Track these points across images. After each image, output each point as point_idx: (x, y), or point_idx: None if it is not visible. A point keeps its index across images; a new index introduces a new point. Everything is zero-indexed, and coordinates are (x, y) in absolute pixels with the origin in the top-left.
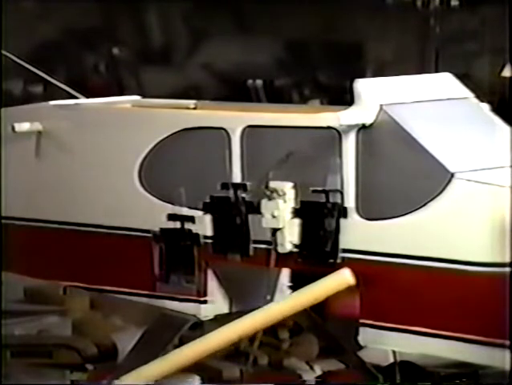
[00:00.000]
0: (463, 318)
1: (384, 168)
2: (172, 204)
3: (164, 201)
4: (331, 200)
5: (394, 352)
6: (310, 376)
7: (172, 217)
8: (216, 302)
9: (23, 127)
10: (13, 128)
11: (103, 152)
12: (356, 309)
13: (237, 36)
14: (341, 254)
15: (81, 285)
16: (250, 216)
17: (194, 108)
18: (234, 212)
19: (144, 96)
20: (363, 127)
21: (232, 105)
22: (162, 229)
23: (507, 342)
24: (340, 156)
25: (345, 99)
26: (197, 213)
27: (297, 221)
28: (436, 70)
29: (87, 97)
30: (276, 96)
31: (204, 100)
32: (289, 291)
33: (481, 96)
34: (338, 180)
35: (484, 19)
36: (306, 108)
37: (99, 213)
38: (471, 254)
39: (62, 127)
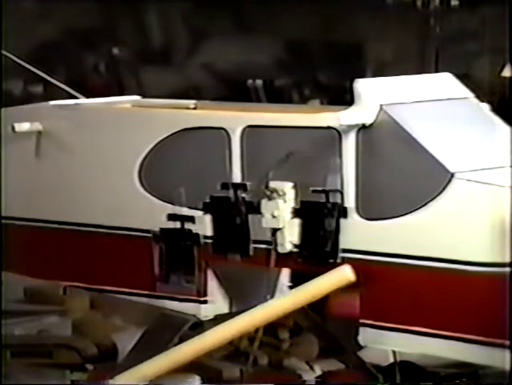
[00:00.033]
0: (463, 318)
1: (384, 168)
2: (172, 204)
3: (164, 201)
4: (331, 200)
5: (394, 352)
6: (310, 376)
7: (172, 217)
8: (216, 302)
9: (23, 127)
10: (13, 128)
11: (103, 152)
12: (356, 309)
13: (237, 36)
14: (341, 254)
15: (81, 285)
16: (250, 216)
17: (194, 108)
18: (234, 212)
19: (144, 96)
20: (363, 127)
21: (232, 105)
22: (162, 229)
23: (507, 342)
24: (340, 156)
25: (345, 99)
26: (197, 213)
27: (297, 221)
28: (436, 70)
29: (87, 97)
30: (276, 96)
31: (204, 100)
32: (289, 291)
33: (481, 96)
34: (338, 180)
35: (484, 19)
36: (306, 108)
37: (99, 213)
38: (471, 254)
39: (62, 127)
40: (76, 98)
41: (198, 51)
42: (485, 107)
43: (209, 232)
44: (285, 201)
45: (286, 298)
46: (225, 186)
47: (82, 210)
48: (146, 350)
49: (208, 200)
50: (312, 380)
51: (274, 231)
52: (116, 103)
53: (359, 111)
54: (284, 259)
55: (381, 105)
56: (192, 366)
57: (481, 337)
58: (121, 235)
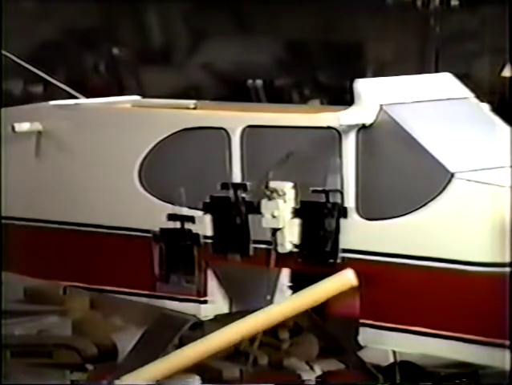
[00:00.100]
0: (463, 318)
1: (384, 168)
2: (172, 204)
3: (164, 201)
4: (331, 200)
5: (394, 352)
6: (310, 376)
7: (172, 217)
8: (216, 302)
9: (23, 127)
10: (13, 128)
11: (103, 152)
12: (356, 309)
13: (237, 36)
14: (341, 254)
15: (81, 285)
16: (250, 216)
17: (194, 108)
18: (234, 212)
19: (144, 96)
20: (363, 127)
21: (232, 105)
22: (162, 229)
23: (507, 342)
24: (340, 156)
25: (345, 99)
26: (197, 213)
27: (297, 221)
28: (436, 70)
29: (87, 97)
30: (276, 96)
31: (204, 100)
32: (289, 291)
33: (481, 96)
34: (338, 180)
35: (484, 19)
36: (306, 108)
37: (99, 213)
38: (471, 254)
39: (62, 127)
40: (76, 98)
41: (198, 51)
42: (485, 107)
43: (209, 232)
44: (285, 201)
45: (289, 303)
46: (225, 186)
47: (82, 210)
48: (146, 350)
49: (208, 200)
50: (312, 380)
51: (274, 231)
52: (116, 103)
53: (359, 111)
54: (284, 259)
55: (381, 105)
56: (192, 366)
57: (481, 337)
58: (121, 235)
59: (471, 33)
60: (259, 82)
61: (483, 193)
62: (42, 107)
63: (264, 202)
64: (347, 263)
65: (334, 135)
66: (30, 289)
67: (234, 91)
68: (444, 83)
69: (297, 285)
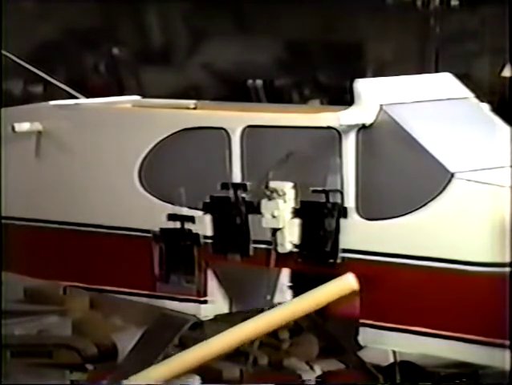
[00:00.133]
0: (463, 318)
1: (384, 168)
2: (172, 204)
3: (164, 201)
4: (331, 200)
5: (394, 352)
6: (310, 376)
7: (172, 217)
8: (216, 302)
9: (23, 127)
10: (13, 128)
11: (103, 152)
12: (356, 309)
13: (237, 36)
14: (341, 254)
15: (81, 285)
16: (250, 216)
17: (194, 108)
18: (234, 212)
19: (144, 96)
20: (363, 127)
21: (232, 105)
22: (162, 229)
23: (507, 342)
24: (340, 156)
25: (345, 99)
26: (197, 213)
27: (297, 221)
28: (436, 70)
29: (87, 97)
30: (276, 96)
31: (204, 100)
32: (289, 291)
33: (481, 96)
34: (338, 180)
35: (484, 19)
36: (306, 108)
37: (99, 213)
38: (471, 254)
39: (62, 127)
40: (76, 98)
41: (198, 51)
42: (485, 107)
43: (209, 232)
44: (285, 201)
45: (290, 306)
46: (225, 186)
47: (82, 210)
48: (146, 350)
49: (208, 200)
50: (312, 380)
51: (274, 231)
52: (116, 103)
53: (359, 111)
54: (284, 259)
55: (381, 105)
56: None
57: (481, 337)
58: (121, 235)
59: (471, 33)
60: (259, 82)
61: (483, 193)
62: (42, 107)
63: (264, 202)
64: (347, 263)
65: (334, 135)
66: (30, 289)
67: (234, 91)
68: (444, 83)
69: (297, 285)
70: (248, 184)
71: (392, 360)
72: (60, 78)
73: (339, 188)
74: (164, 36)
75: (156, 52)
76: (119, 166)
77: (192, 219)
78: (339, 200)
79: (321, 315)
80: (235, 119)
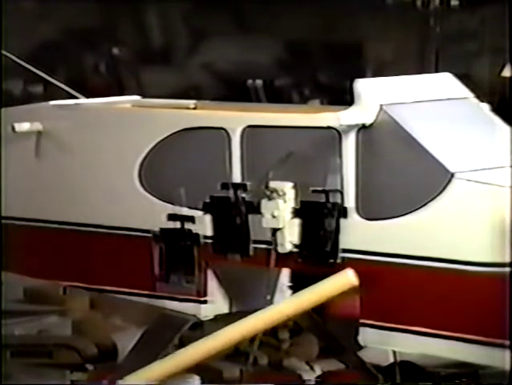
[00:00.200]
0: (463, 318)
1: (384, 168)
2: (172, 204)
3: (164, 201)
4: (331, 200)
5: (394, 352)
6: (310, 376)
7: (172, 217)
8: (216, 302)
9: (23, 127)
10: (13, 128)
11: (103, 152)
12: (356, 309)
13: (237, 36)
14: (341, 254)
15: (81, 285)
16: (250, 216)
17: (194, 108)
18: (234, 212)
19: (144, 96)
20: (363, 127)
21: (232, 105)
22: (162, 229)
23: (507, 342)
24: (340, 156)
25: (345, 99)
26: (197, 213)
27: (297, 221)
28: (436, 70)
29: (87, 97)
30: (276, 96)
31: (204, 100)
32: (289, 291)
33: (481, 96)
34: (338, 180)
35: (484, 19)
36: (306, 108)
37: (99, 213)
38: (471, 254)
39: (62, 127)
40: (76, 98)
41: (198, 51)
42: (485, 107)
43: (209, 232)
44: (285, 201)
45: (290, 303)
46: (225, 186)
47: (82, 210)
48: (146, 350)
49: (208, 200)
50: (312, 380)
51: (274, 231)
52: (116, 103)
53: (359, 111)
54: (284, 259)
55: (381, 105)
56: (192, 366)
57: (481, 337)
58: (121, 235)
59: (471, 33)
60: (259, 82)
61: (483, 193)
62: (42, 107)
63: (264, 202)
64: (347, 263)
65: (334, 135)
66: (30, 289)
67: (234, 91)
68: (444, 83)
69: (297, 285)
70: (248, 184)
71: (392, 360)
72: (60, 78)
73: (339, 188)
74: (164, 36)
75: (156, 52)
76: (119, 166)
77: (192, 219)
78: (339, 200)
79: (321, 315)
80: (235, 119)
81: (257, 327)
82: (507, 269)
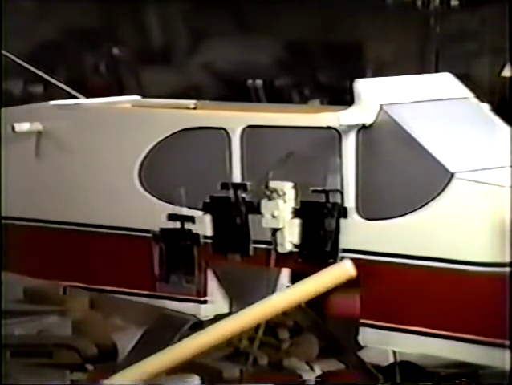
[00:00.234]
0: (463, 318)
1: (384, 168)
2: (172, 204)
3: (164, 201)
4: (331, 200)
5: (394, 352)
6: (310, 376)
7: (172, 217)
8: (216, 302)
9: (23, 127)
10: (13, 128)
11: (103, 152)
12: (356, 309)
13: (237, 36)
14: (341, 254)
15: (81, 285)
16: (250, 216)
17: (194, 108)
18: (234, 212)
19: (144, 96)
20: (363, 127)
21: (232, 105)
22: (162, 229)
23: (507, 342)
24: (340, 156)
25: (345, 99)
26: (197, 213)
27: (297, 221)
28: (436, 70)
29: (87, 97)
30: (276, 96)
31: (204, 100)
32: None
33: (481, 96)
34: (338, 180)
35: (484, 19)
36: (306, 108)
37: (99, 213)
38: (471, 254)
39: (62, 127)
40: (76, 98)
41: (198, 51)
42: (485, 107)
43: (209, 232)
44: (285, 201)
45: (286, 294)
46: (225, 186)
47: (82, 210)
48: (146, 350)
49: (208, 200)
50: (312, 380)
51: (274, 231)
52: (116, 103)
53: (359, 111)
54: (284, 259)
55: (381, 105)
56: (192, 366)
57: (481, 337)
58: (121, 235)
59: (471, 33)
60: (259, 82)
61: (483, 193)
62: (42, 107)
63: (264, 202)
64: None
65: (334, 135)
66: (30, 289)
67: (234, 91)
68: (444, 83)
69: None
70: (248, 184)
71: (392, 360)
72: (60, 78)
73: (339, 188)
74: (164, 36)
75: (156, 52)
76: (119, 166)
77: (192, 219)
78: (339, 200)
79: (321, 315)
80: (235, 119)
81: (252, 320)
82: (507, 269)
